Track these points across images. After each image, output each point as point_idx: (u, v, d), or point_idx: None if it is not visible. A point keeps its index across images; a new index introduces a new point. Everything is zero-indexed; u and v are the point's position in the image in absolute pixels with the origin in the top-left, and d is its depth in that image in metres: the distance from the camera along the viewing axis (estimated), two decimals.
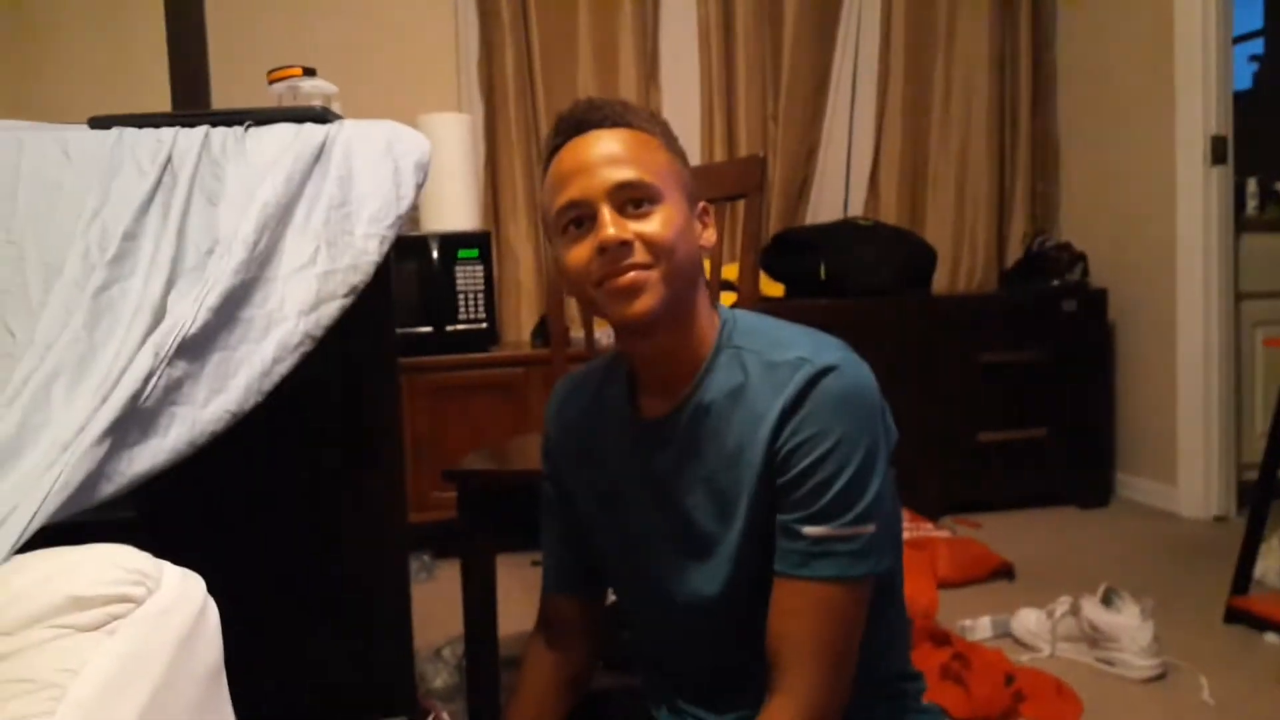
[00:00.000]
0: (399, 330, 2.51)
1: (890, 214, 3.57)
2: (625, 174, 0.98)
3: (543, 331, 3.03)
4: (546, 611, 1.22)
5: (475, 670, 1.57)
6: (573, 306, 3.22)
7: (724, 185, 2.03)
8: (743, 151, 3.41)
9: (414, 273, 2.83)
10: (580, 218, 0.99)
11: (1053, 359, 3.25)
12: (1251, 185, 3.40)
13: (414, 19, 3.29)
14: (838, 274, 3.14)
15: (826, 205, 3.58)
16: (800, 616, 0.97)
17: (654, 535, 1.08)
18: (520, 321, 3.31)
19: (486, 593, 1.57)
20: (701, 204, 1.08)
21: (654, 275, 0.97)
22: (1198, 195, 3.06)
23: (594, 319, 2.05)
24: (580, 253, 0.99)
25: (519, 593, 2.48)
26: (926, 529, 2.57)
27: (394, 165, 1.27)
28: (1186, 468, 3.16)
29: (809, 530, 0.95)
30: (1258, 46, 4.35)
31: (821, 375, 0.97)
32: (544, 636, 1.21)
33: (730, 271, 2.74)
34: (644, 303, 0.97)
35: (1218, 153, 3.03)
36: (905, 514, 2.69)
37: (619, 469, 1.10)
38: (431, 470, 2.43)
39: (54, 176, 1.19)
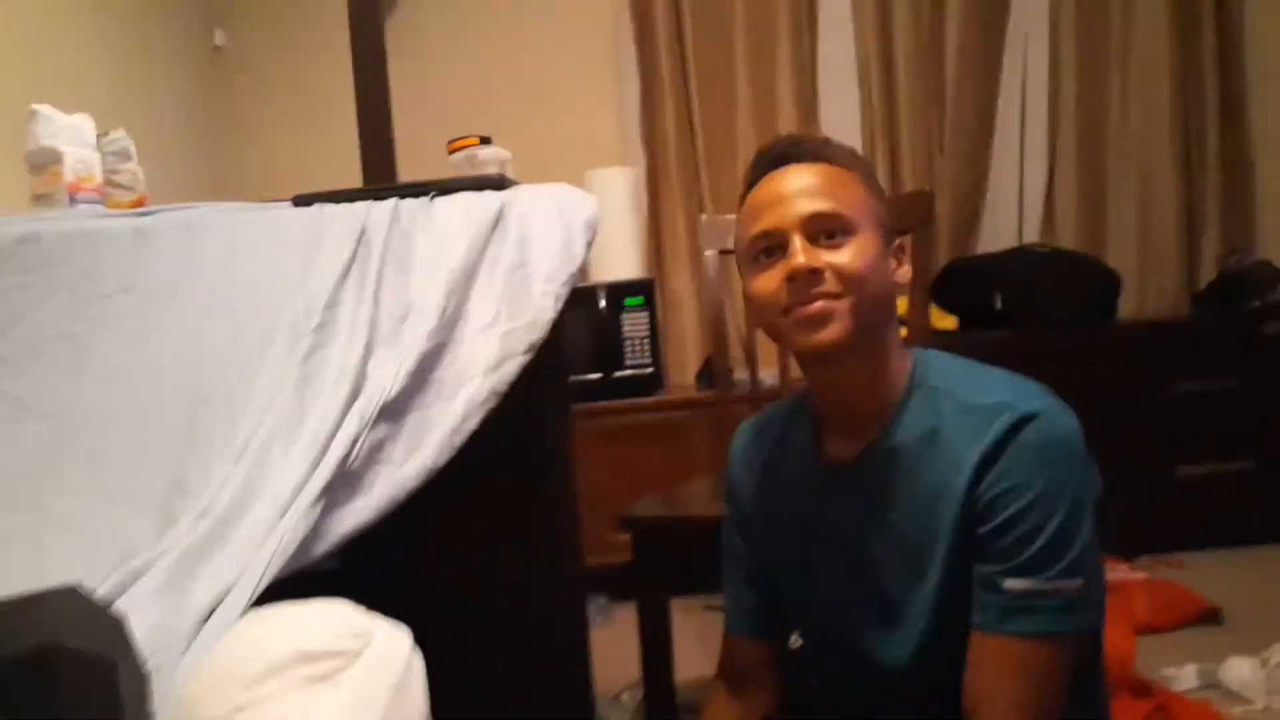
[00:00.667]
0: (570, 378, 2.59)
1: (1069, 239, 3.42)
2: (819, 205, 0.98)
3: (707, 375, 3.06)
4: (729, 654, 1.22)
5: (654, 713, 1.59)
6: (737, 348, 3.24)
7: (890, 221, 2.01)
8: (907, 187, 3.36)
9: (583, 321, 2.93)
10: (771, 247, 1.00)
11: (1255, 385, 3.03)
12: None
13: (579, 78, 3.43)
14: (1014, 304, 3.03)
15: (1000, 235, 3.47)
16: (1000, 674, 0.93)
17: (843, 598, 1.05)
18: (685, 366, 3.36)
19: (662, 636, 1.60)
20: (898, 241, 1.07)
21: (843, 305, 0.96)
22: None
23: (757, 359, 2.07)
24: (769, 281, 0.99)
25: (694, 637, 2.49)
26: (1122, 570, 2.43)
27: (565, 226, 1.34)
28: None
29: (1011, 584, 0.92)
30: None
31: (1024, 422, 0.94)
32: (726, 680, 1.21)
33: (900, 305, 2.70)
34: (830, 332, 0.96)
35: None
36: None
37: (804, 513, 1.09)
38: (603, 514, 2.49)
39: (265, 252, 1.31)
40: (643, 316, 2.95)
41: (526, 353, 1.21)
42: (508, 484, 1.56)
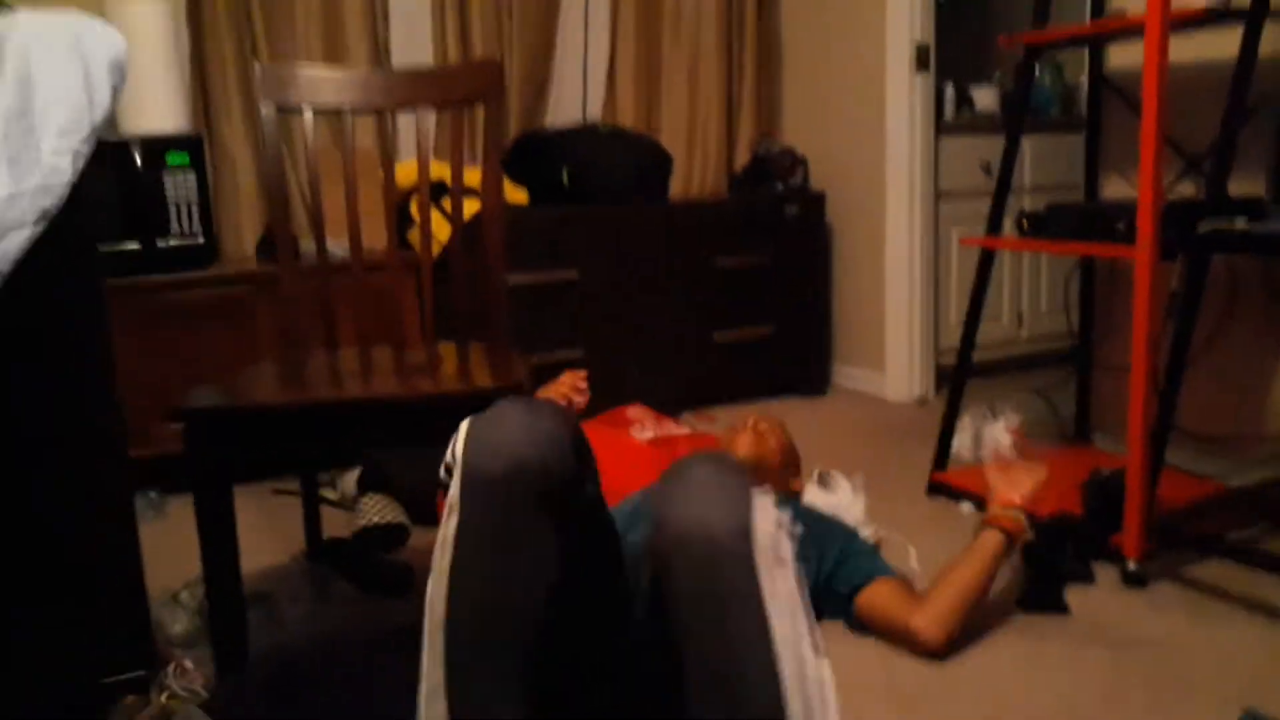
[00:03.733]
0: (100, 249, 2.26)
1: (628, 117, 3.59)
2: None
3: (269, 245, 2.82)
4: None
5: (218, 612, 1.48)
6: (301, 215, 3.02)
7: (460, 89, 1.95)
8: (478, 48, 3.29)
9: (114, 182, 2.53)
10: None
11: (778, 261, 3.44)
12: (949, 90, 3.70)
13: None
14: (580, 180, 3.13)
15: (566, 106, 3.55)
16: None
17: None
18: (242, 235, 3.07)
19: (225, 530, 1.48)
20: None
21: None
22: (904, 101, 3.29)
23: (324, 227, 1.94)
24: None
25: (262, 524, 2.36)
26: (669, 428, 2.67)
27: (83, 66, 1.11)
28: (893, 356, 3.48)
29: None
30: None
31: None
32: None
33: (473, 177, 2.67)
34: None
35: (921, 60, 3.27)
36: (648, 413, 2.79)
37: None
38: (150, 401, 2.23)
39: None
40: (189, 177, 2.62)
41: (38, 222, 1.01)
42: (31, 378, 1.33)
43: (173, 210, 2.61)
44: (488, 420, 1.05)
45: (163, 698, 1.41)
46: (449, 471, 1.04)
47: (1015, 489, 1.78)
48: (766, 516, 0.98)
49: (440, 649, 0.98)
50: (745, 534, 0.94)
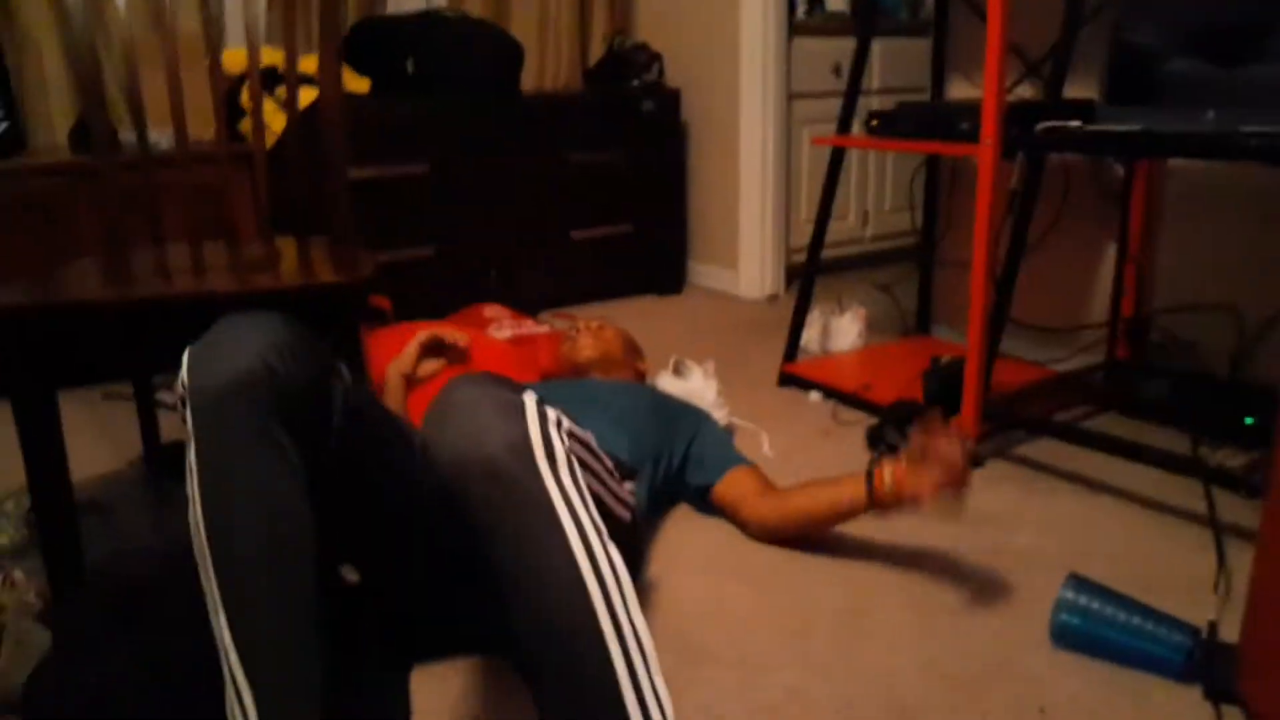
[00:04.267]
0: None
1: (475, 5, 3.43)
2: None
3: (83, 135, 2.59)
4: None
5: (47, 522, 1.38)
6: (119, 104, 2.77)
7: None
8: None
9: None
10: None
11: (635, 158, 3.40)
12: None
13: None
14: (426, 70, 2.98)
15: None
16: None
17: None
18: (53, 125, 2.80)
19: (49, 435, 1.37)
20: None
21: None
22: (757, 0, 3.27)
23: (146, 117, 1.77)
24: None
25: (94, 430, 2.22)
26: (529, 326, 2.64)
27: None
28: (746, 254, 3.52)
29: None
30: None
31: None
32: None
33: (309, 64, 2.49)
34: None
35: None
36: (506, 312, 2.74)
37: None
38: None
39: None
40: None
41: None
42: None
43: None
44: (205, 341, 1.04)
45: None
46: (182, 402, 1.02)
47: (921, 480, 1.41)
48: (537, 419, 1.01)
49: (210, 567, 0.97)
50: (520, 444, 0.98)
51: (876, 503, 1.48)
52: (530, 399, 1.03)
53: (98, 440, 2.14)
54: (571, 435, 1.09)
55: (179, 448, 2.01)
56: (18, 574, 1.41)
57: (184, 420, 1.02)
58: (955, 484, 1.37)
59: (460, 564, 1.05)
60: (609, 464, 1.37)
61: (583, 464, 1.13)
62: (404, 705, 1.23)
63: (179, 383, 1.03)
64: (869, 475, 1.50)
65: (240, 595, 0.97)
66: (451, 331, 1.84)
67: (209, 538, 0.98)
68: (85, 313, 1.39)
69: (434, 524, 1.15)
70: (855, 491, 1.51)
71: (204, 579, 0.99)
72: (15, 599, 1.34)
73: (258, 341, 1.02)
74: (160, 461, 1.99)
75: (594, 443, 1.32)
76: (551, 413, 1.04)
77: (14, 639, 1.26)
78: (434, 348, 1.81)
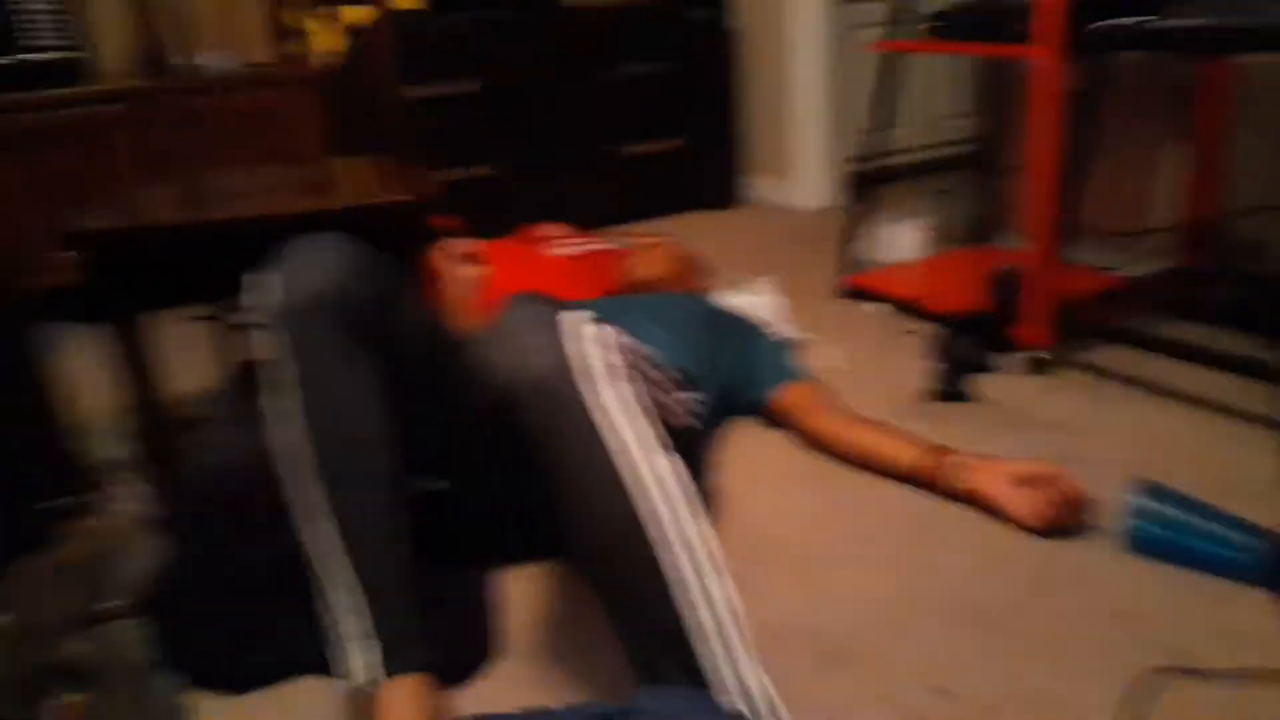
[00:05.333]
0: None
1: None
2: None
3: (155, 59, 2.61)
4: None
5: (148, 438, 1.45)
6: (170, 27, 2.78)
7: None
8: None
9: None
10: None
11: (683, 68, 3.35)
12: None
13: None
14: None
15: None
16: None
17: None
18: (113, 47, 2.82)
19: (140, 357, 1.43)
20: None
21: None
22: None
23: (192, 40, 1.78)
24: None
25: (185, 352, 2.28)
26: (590, 243, 2.64)
27: None
28: (799, 164, 3.48)
29: None
30: None
31: None
32: None
33: None
34: None
35: None
36: (567, 230, 2.74)
37: None
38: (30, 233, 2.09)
39: None
40: None
41: None
42: None
43: (23, 21, 2.38)
44: (284, 264, 1.08)
45: (103, 521, 1.39)
46: (261, 324, 1.07)
47: (1029, 505, 1.42)
48: (589, 337, 1.04)
49: (314, 473, 1.03)
50: (561, 363, 1.01)
51: (931, 475, 1.51)
52: (575, 316, 1.06)
53: (190, 361, 2.20)
54: (624, 349, 1.11)
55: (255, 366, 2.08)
56: (124, 487, 1.48)
57: (265, 339, 1.06)
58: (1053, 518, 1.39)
59: (533, 471, 1.09)
60: (672, 374, 1.39)
61: (639, 376, 1.15)
62: (491, 606, 1.29)
63: (253, 305, 1.07)
64: (934, 456, 1.51)
65: (346, 501, 1.02)
66: (452, 244, 1.99)
67: (317, 446, 1.03)
68: (165, 237, 1.43)
69: (498, 435, 1.19)
70: (915, 457, 1.53)
71: (301, 488, 1.03)
72: (121, 510, 1.41)
73: (333, 262, 1.07)
74: (252, 378, 2.05)
75: (654, 355, 1.34)
76: (596, 329, 1.06)
77: (132, 541, 1.33)
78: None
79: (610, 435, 0.99)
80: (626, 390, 1.03)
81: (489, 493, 1.31)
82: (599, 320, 1.07)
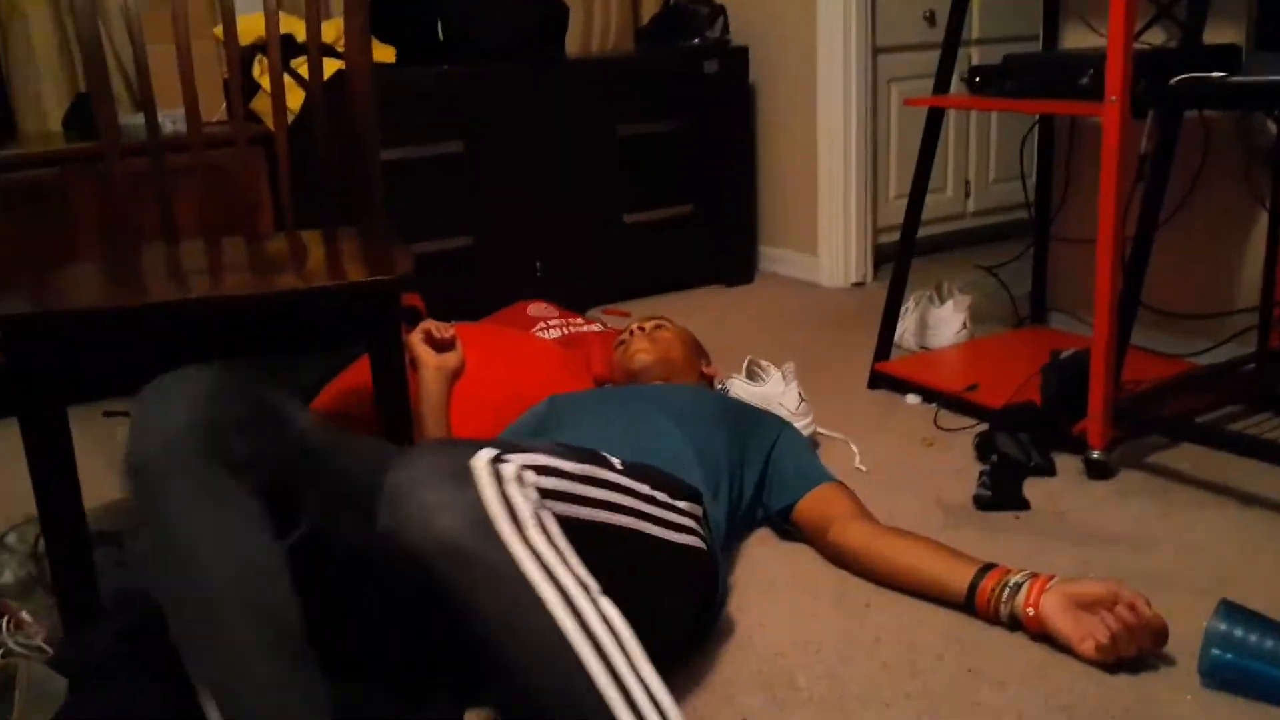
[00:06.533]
0: None
1: None
2: None
3: (80, 117, 2.68)
4: None
5: (59, 556, 1.44)
6: (121, 85, 2.87)
7: None
8: None
9: None
10: None
11: (696, 128, 3.42)
12: None
13: None
14: (456, 34, 3.04)
15: None
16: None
17: None
18: (43, 108, 2.91)
19: (62, 457, 1.43)
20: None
21: None
22: None
23: (154, 94, 1.83)
24: None
25: (95, 451, 2.28)
26: (577, 325, 2.67)
27: None
28: (826, 235, 3.52)
29: None
30: None
31: None
32: None
33: (331, 31, 2.57)
34: None
35: None
36: (553, 309, 2.78)
37: None
38: None
39: None
40: None
41: None
42: None
43: None
44: (134, 410, 1.14)
45: None
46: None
47: (1089, 635, 1.39)
48: (492, 480, 1.04)
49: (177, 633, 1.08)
50: (474, 514, 1.01)
51: (973, 606, 1.50)
52: (482, 457, 1.06)
53: (99, 462, 2.21)
54: (564, 475, 1.14)
55: None
56: (25, 615, 1.47)
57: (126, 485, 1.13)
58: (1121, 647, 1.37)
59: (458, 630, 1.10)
60: (659, 486, 1.35)
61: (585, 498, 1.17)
62: None
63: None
64: (979, 577, 1.50)
65: (220, 658, 1.04)
66: (437, 325, 2.06)
67: (168, 607, 1.07)
68: (87, 321, 1.44)
69: (411, 594, 1.19)
70: (957, 581, 1.52)
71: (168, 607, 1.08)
72: (22, 643, 1.40)
73: (185, 396, 1.13)
74: None
75: (623, 467, 1.30)
76: (514, 466, 1.07)
77: (26, 686, 1.31)
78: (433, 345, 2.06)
79: (542, 583, 1.00)
80: (552, 529, 1.05)
81: (403, 638, 1.31)
82: (511, 450, 1.09)
